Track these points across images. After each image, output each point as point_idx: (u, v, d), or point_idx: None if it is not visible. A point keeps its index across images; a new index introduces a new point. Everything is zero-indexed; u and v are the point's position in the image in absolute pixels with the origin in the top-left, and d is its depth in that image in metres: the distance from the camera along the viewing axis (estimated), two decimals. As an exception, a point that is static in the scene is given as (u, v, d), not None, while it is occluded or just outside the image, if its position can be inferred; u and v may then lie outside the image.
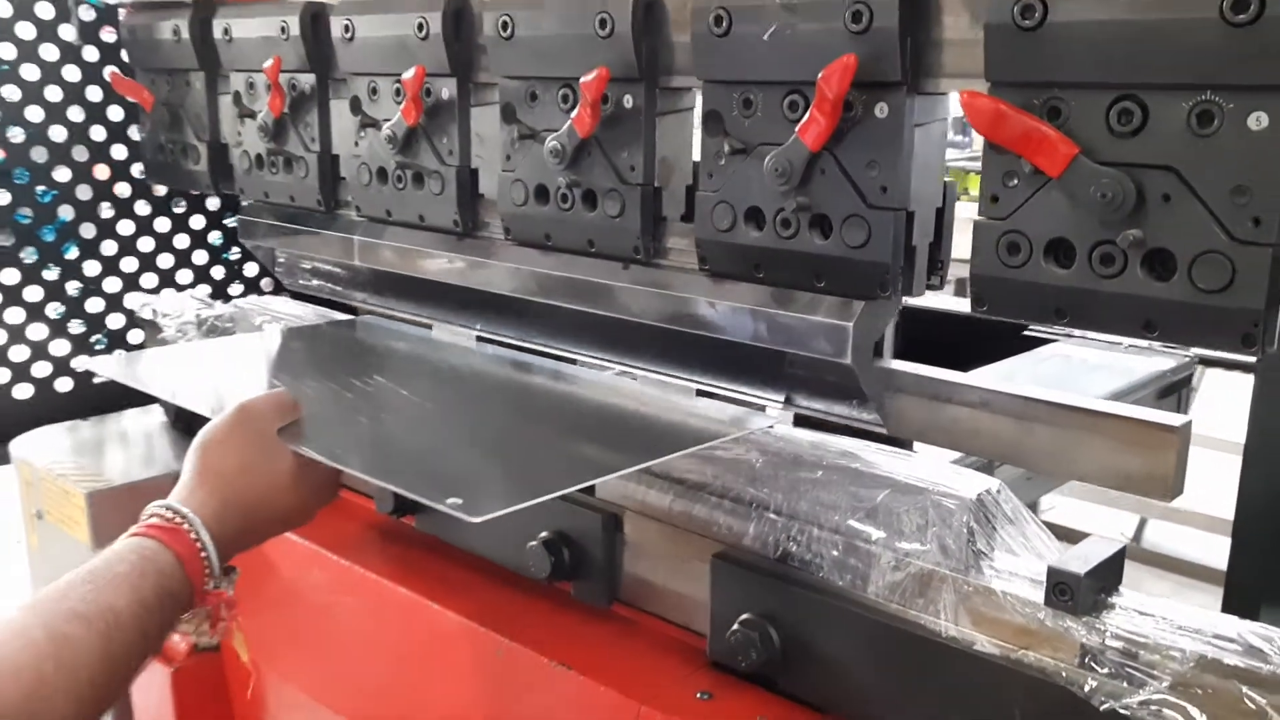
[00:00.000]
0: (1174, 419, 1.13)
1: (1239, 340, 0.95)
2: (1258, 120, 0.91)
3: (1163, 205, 0.97)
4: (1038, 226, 1.04)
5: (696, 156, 1.36)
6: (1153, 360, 1.80)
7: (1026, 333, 1.89)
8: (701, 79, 1.28)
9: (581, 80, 1.32)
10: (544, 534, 1.43)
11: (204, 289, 2.47)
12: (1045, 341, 1.87)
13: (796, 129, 1.16)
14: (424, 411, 1.46)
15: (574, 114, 1.36)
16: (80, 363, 1.77)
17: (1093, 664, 1.02)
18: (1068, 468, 1.19)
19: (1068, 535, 1.23)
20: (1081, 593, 1.03)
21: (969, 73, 1.09)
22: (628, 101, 1.35)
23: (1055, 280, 1.04)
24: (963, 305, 2.14)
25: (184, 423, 2.11)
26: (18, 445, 2.10)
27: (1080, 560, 1.05)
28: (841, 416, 1.26)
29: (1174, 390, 1.79)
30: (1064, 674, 1.03)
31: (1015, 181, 1.05)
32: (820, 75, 1.11)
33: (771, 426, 1.32)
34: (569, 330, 1.57)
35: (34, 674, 0.90)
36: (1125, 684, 1.00)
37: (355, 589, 1.59)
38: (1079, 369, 1.75)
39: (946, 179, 1.22)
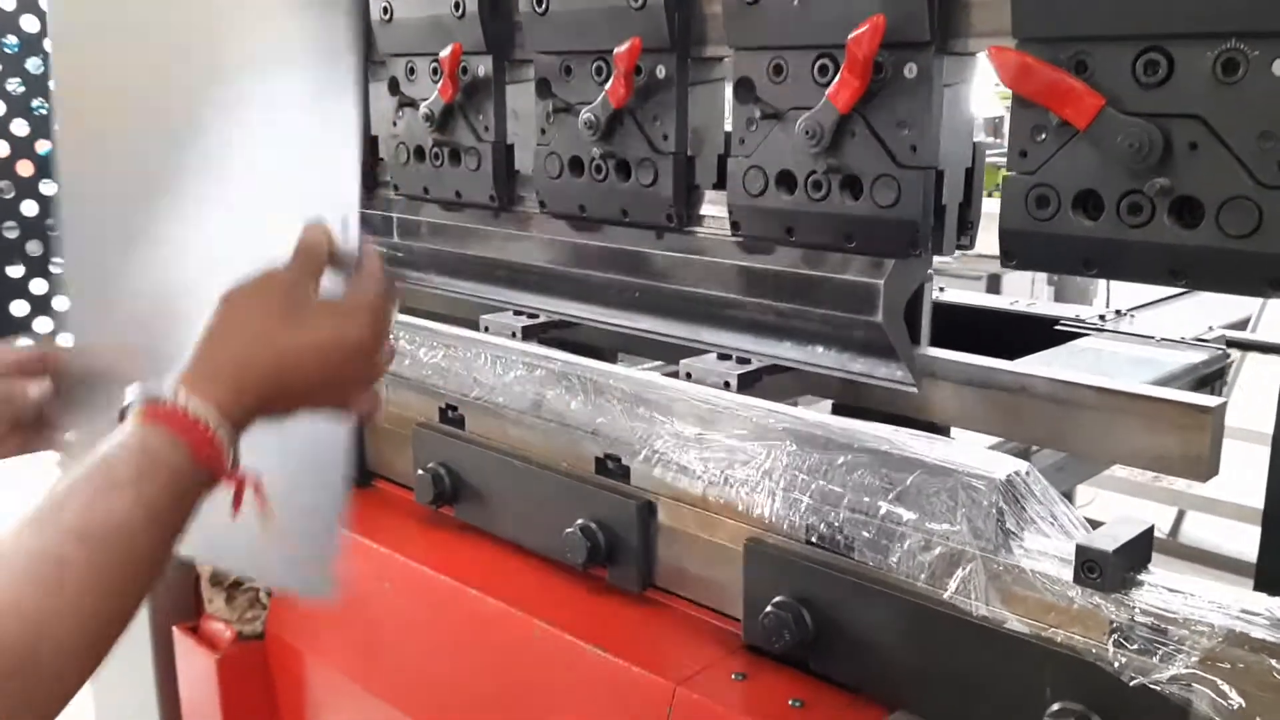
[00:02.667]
0: (1208, 400, 1.15)
1: (1266, 284, 0.97)
2: (1282, 66, 0.92)
3: (1190, 154, 0.98)
4: (1066, 179, 1.06)
5: (727, 127, 1.39)
6: (1185, 353, 1.78)
7: (1058, 327, 1.89)
8: (733, 47, 1.30)
9: (615, 51, 1.35)
10: (580, 521, 1.44)
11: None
12: (1076, 335, 1.87)
13: (826, 92, 1.19)
14: None
15: (608, 85, 1.39)
16: None
17: (1122, 640, 1.01)
18: (1105, 450, 1.21)
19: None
20: (1110, 570, 1.02)
21: (996, 31, 1.11)
22: (660, 71, 1.38)
23: (1084, 231, 1.06)
24: (993, 300, 2.15)
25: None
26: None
27: (1109, 539, 1.05)
28: (871, 377, 1.27)
29: (1208, 383, 1.78)
30: (1094, 650, 1.02)
31: (1043, 135, 1.07)
32: (850, 37, 1.13)
33: None
34: (605, 299, 1.60)
35: (34, 605, 0.78)
36: (1155, 659, 0.99)
37: (396, 577, 1.60)
38: (1111, 361, 1.73)
39: (976, 140, 1.25)
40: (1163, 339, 1.81)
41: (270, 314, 0.98)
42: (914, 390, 1.27)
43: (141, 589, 0.88)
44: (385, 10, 1.68)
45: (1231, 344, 1.87)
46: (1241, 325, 2.07)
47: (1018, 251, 1.11)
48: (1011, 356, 1.44)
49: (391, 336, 1.08)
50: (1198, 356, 1.73)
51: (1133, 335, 1.84)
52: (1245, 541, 4.30)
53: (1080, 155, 1.05)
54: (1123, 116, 1.00)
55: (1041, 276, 7.31)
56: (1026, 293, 6.88)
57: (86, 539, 0.83)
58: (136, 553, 0.86)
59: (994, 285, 6.66)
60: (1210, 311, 1.98)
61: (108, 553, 0.83)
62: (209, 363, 0.95)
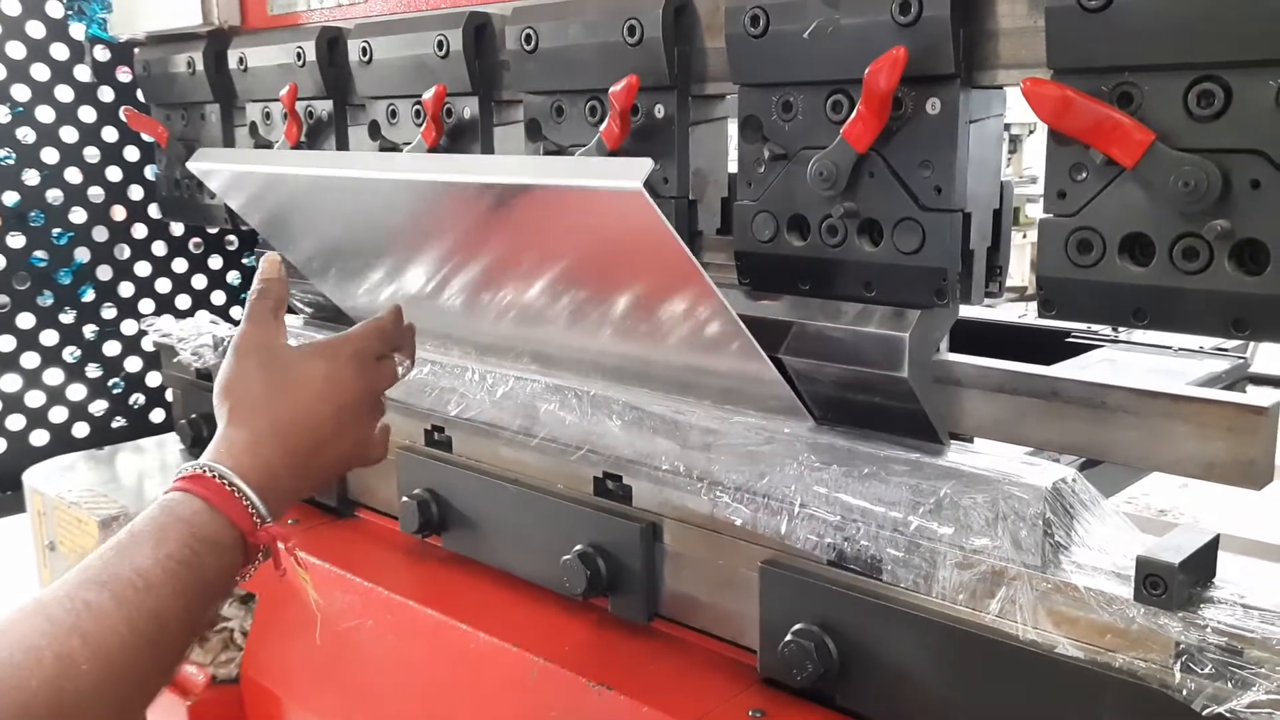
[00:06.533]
0: (1261, 400, 1.04)
1: (1344, 335, 0.87)
2: (1357, 94, 0.83)
3: (1251, 192, 0.89)
4: (1111, 221, 0.97)
5: (732, 169, 1.30)
6: (1204, 363, 1.71)
7: (1070, 339, 1.82)
8: (737, 83, 1.21)
9: (610, 90, 1.26)
10: (578, 547, 1.36)
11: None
12: (1089, 348, 1.80)
13: (841, 130, 1.10)
14: None
15: (603, 127, 1.30)
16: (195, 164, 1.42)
17: (1191, 664, 0.94)
18: (1147, 458, 1.10)
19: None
20: (1176, 585, 0.94)
21: (1027, 62, 1.02)
22: (659, 111, 1.29)
23: (1132, 279, 0.96)
24: (1000, 314, 2.07)
25: (200, 449, 2.04)
26: (30, 475, 2.04)
27: (1173, 550, 0.97)
28: (901, 444, 1.17)
29: (1230, 391, 1.70)
30: (1159, 676, 0.95)
31: (1084, 175, 0.97)
32: (867, 71, 1.04)
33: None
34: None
35: (55, 651, 0.80)
36: (1230, 685, 0.91)
37: (380, 612, 1.53)
38: (1131, 372, 1.65)
39: (1004, 179, 1.15)
40: (1180, 349, 1.74)
41: (260, 375, 1.08)
42: (940, 448, 1.16)
43: (174, 635, 0.90)
44: (364, 51, 1.59)
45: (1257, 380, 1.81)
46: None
47: (1059, 301, 1.01)
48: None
49: (397, 361, 1.19)
50: (1218, 366, 1.65)
51: (1149, 346, 1.77)
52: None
53: (1127, 195, 0.95)
54: (1175, 153, 0.91)
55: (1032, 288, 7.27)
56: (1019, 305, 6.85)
57: (107, 586, 0.85)
58: (161, 600, 0.88)
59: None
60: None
61: (127, 600, 0.86)
62: (223, 437, 1.05)
